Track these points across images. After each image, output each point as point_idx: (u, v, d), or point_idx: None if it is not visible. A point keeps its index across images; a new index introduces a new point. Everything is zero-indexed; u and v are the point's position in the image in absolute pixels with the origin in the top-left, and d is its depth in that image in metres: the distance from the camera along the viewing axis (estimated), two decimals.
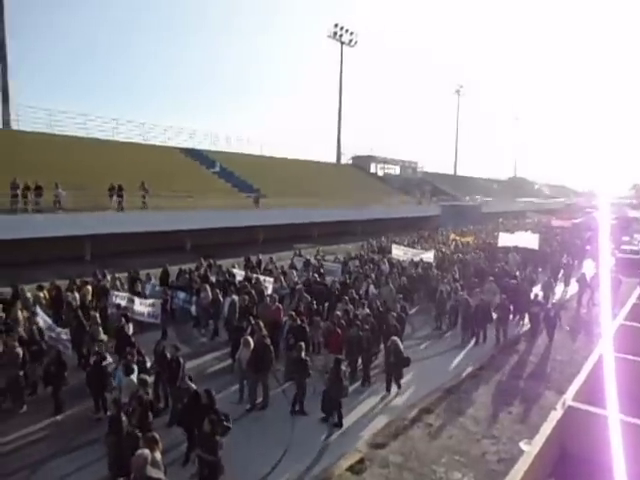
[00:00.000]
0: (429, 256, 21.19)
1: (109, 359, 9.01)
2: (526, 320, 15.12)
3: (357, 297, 14.52)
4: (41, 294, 13.34)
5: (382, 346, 11.46)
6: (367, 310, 12.75)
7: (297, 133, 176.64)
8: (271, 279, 16.07)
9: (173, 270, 17.40)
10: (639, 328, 7.61)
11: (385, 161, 63.15)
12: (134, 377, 8.27)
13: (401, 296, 14.59)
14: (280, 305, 13.08)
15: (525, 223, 48.14)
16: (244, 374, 9.54)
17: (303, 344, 9.53)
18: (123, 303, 12.39)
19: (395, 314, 12.08)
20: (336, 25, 54.27)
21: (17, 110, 30.27)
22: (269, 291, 15.13)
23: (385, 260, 21.35)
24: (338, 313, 12.09)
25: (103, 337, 10.36)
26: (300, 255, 22.09)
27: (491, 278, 17.37)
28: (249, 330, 10.54)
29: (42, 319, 11.02)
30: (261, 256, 21.51)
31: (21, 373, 9.21)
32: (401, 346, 10.21)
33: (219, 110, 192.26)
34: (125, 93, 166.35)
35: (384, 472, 7.49)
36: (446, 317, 15.19)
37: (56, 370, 8.98)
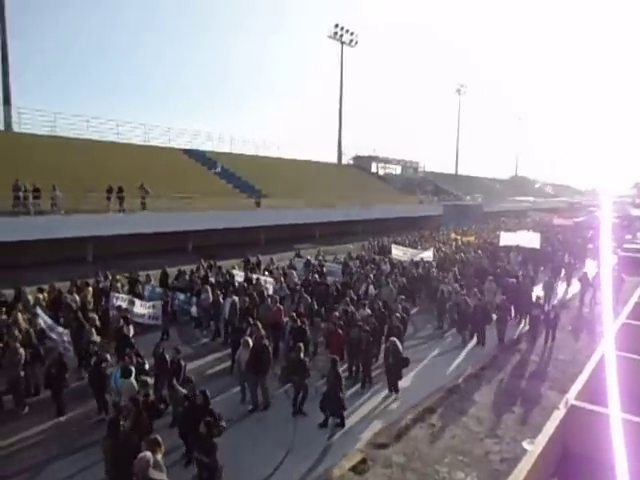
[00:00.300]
0: (428, 255, 21.17)
1: (109, 360, 9.02)
2: (527, 320, 14.96)
3: (356, 298, 14.47)
4: (41, 296, 13.38)
5: (383, 347, 11.43)
6: (368, 311, 12.71)
7: (298, 134, 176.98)
8: (271, 280, 16.08)
9: (173, 271, 17.42)
10: None
11: (386, 161, 63.17)
12: (132, 379, 8.29)
13: (403, 297, 14.49)
14: (281, 306, 13.08)
15: (527, 222, 48.04)
16: (243, 375, 9.54)
17: (302, 345, 9.51)
18: (124, 305, 12.42)
19: (398, 315, 12.03)
20: (336, 25, 54.33)
21: (19, 112, 30.38)
22: (270, 292, 15.15)
23: (386, 260, 21.33)
24: (336, 314, 12.07)
25: (96, 338, 10.36)
26: (300, 256, 22.11)
27: (490, 277, 17.29)
28: (248, 331, 10.53)
29: (43, 320, 11.05)
30: (260, 257, 21.51)
31: (22, 374, 9.24)
32: (400, 347, 10.16)
33: (221, 111, 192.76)
34: (131, 95, 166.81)
35: (387, 472, 7.48)
36: (447, 317, 15.17)
37: (57, 372, 8.98)
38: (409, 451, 8.08)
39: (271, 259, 20.69)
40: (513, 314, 15.34)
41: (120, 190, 23.44)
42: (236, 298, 13.38)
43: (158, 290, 14.71)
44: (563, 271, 22.01)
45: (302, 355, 9.27)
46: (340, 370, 9.09)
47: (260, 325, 10.90)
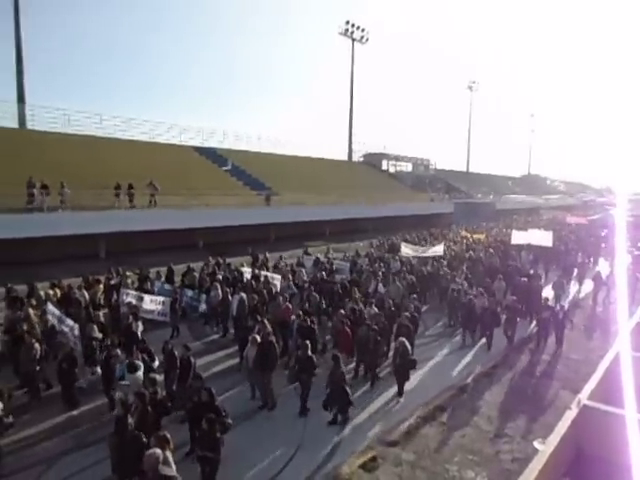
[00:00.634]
0: (439, 249, 21.07)
1: (119, 356, 9.08)
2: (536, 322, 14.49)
3: (362, 296, 14.38)
4: (51, 292, 13.54)
5: (392, 345, 11.38)
6: (375, 309, 12.65)
7: (309, 131, 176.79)
8: (279, 277, 16.09)
9: (182, 268, 17.52)
10: None
11: (397, 158, 62.95)
12: (139, 374, 8.34)
13: (415, 296, 14.37)
14: (289, 304, 13.07)
15: (539, 220, 47.57)
16: (251, 373, 9.56)
17: (309, 343, 9.44)
18: (133, 301, 12.47)
19: (408, 314, 11.92)
20: (347, 22, 54.22)
21: (32, 110, 30.74)
22: (277, 289, 15.16)
23: (396, 258, 21.25)
24: (342, 312, 12.00)
25: (98, 335, 10.44)
26: (308, 253, 22.10)
27: (500, 276, 17.06)
28: (256, 329, 10.54)
29: (52, 315, 11.19)
30: (268, 254, 21.51)
31: (37, 369, 9.37)
32: (409, 348, 10.06)
33: (232, 109, 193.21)
34: (136, 94, 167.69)
35: (397, 470, 7.47)
36: (458, 316, 15.07)
37: (68, 367, 9.11)
38: (419, 449, 8.06)
39: (280, 257, 20.71)
40: (523, 314, 15.14)
41: (130, 187, 23.61)
42: (244, 295, 13.41)
43: (167, 287, 14.79)
44: (576, 270, 21.72)
45: (309, 352, 9.23)
46: (344, 367, 9.04)
47: (267, 323, 10.94)
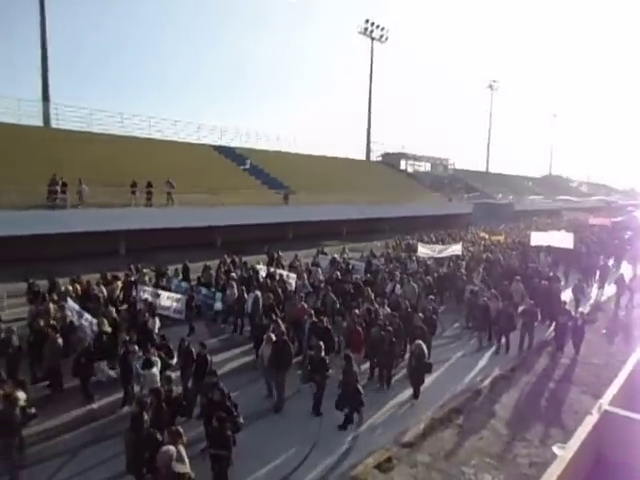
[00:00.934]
0: (457, 249, 20.86)
1: (136, 352, 9.19)
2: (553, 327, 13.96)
3: (378, 296, 14.28)
4: (70, 287, 13.81)
5: (409, 347, 11.28)
6: (388, 309, 12.58)
7: (327, 130, 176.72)
8: (294, 276, 16.12)
9: (197, 266, 17.68)
10: None
11: (415, 158, 62.45)
12: (154, 371, 8.45)
13: (432, 297, 14.23)
14: (305, 304, 13.06)
15: (560, 222, 46.77)
16: (266, 371, 9.60)
17: (322, 343, 9.39)
18: (150, 298, 12.62)
19: (422, 315, 11.79)
20: (367, 21, 54.07)
21: (56, 108, 31.37)
22: (292, 288, 15.19)
23: (413, 258, 21.12)
24: (356, 312, 11.93)
25: (108, 329, 10.60)
26: (324, 253, 22.08)
27: (518, 278, 16.63)
28: (271, 327, 10.57)
29: (71, 309, 11.44)
30: (282, 253, 21.54)
31: (61, 362, 9.60)
32: (425, 351, 9.95)
33: (249, 107, 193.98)
34: (144, 90, 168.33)
35: (412, 472, 7.44)
36: (475, 318, 14.90)
37: (86, 361, 9.30)
38: (435, 451, 8.02)
39: (295, 255, 20.71)
40: (542, 318, 14.87)
41: (149, 185, 23.88)
42: (259, 293, 13.46)
43: (184, 285, 14.93)
44: (597, 273, 21.25)
45: (322, 353, 9.19)
46: (356, 367, 9.00)
47: (281, 321, 10.96)
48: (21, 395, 7.23)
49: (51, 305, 12.09)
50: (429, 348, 11.42)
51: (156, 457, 5.51)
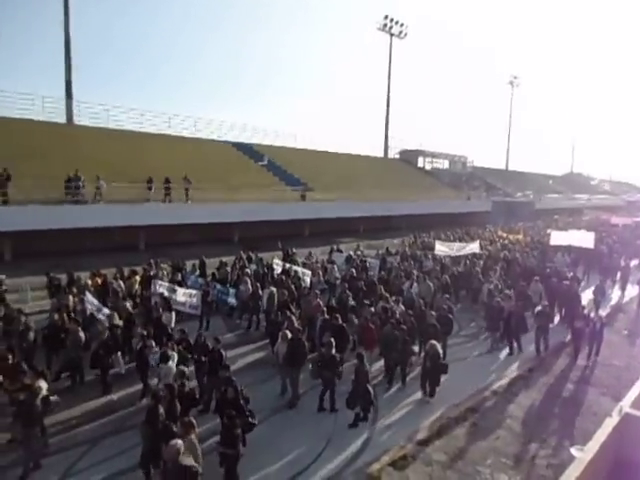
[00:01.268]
0: (475, 247, 20.66)
1: (153, 347, 9.33)
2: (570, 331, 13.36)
3: (394, 294, 14.26)
4: (89, 282, 14.07)
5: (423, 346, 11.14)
6: (402, 307, 12.52)
7: (345, 127, 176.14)
8: (309, 272, 16.13)
9: (214, 262, 17.83)
10: None
11: (433, 155, 61.94)
12: (171, 364, 8.56)
13: (447, 296, 14.06)
14: (320, 301, 13.04)
15: (581, 221, 45.92)
16: (281, 368, 9.66)
17: (333, 341, 9.37)
18: (165, 292, 12.73)
19: (434, 313, 11.65)
20: (386, 17, 53.64)
21: (78, 105, 31.94)
22: (307, 284, 15.21)
23: (429, 256, 20.98)
24: (372, 309, 11.88)
25: (119, 322, 10.79)
26: (340, 250, 22.06)
27: (536, 278, 16.30)
28: (285, 324, 10.60)
29: (90, 303, 11.68)
30: (297, 249, 21.57)
31: (82, 355, 9.81)
32: (440, 351, 9.82)
33: (265, 103, 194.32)
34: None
35: (427, 470, 7.43)
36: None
37: (104, 353, 9.49)
38: (450, 450, 7.98)
39: (309, 252, 20.71)
40: (560, 319, 14.59)
41: (167, 181, 24.14)
42: (274, 289, 13.52)
43: (200, 280, 15.07)
44: (619, 274, 20.79)
45: (333, 351, 9.17)
46: (368, 366, 8.96)
47: (295, 318, 10.98)
48: (43, 385, 7.43)
49: (70, 298, 12.34)
50: (444, 347, 11.37)
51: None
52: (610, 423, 4.48)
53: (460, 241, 25.30)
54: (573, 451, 7.46)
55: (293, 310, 12.26)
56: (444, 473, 7.37)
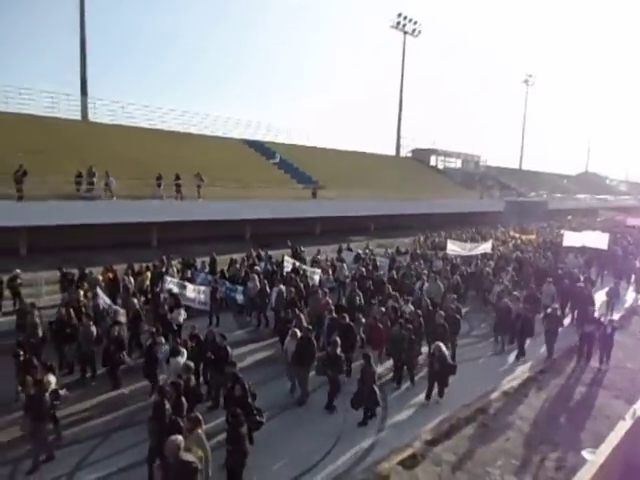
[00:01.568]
0: (487, 247, 20.51)
1: (164, 343, 9.41)
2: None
3: (405, 293, 14.21)
4: (100, 277, 14.19)
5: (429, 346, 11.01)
6: (411, 307, 12.44)
7: (356, 125, 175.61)
8: (319, 271, 16.10)
9: (225, 259, 17.91)
10: None
11: (446, 154, 61.50)
12: (180, 359, 8.60)
13: (455, 296, 13.90)
14: (329, 299, 13.02)
15: (595, 221, 45.34)
16: (289, 366, 9.65)
17: (339, 340, 9.36)
18: (175, 289, 12.76)
19: (443, 313, 11.50)
20: (399, 15, 53.35)
21: (93, 102, 32.32)
22: (316, 282, 15.18)
23: (439, 256, 20.84)
24: (382, 309, 11.86)
25: (122, 319, 10.83)
26: (349, 249, 22.00)
27: (549, 279, 16.08)
28: (294, 322, 10.59)
29: (102, 300, 11.81)
30: (308, 247, 21.55)
31: (94, 349, 9.95)
32: (446, 352, 9.67)
33: (276, 101, 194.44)
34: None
35: (436, 470, 7.40)
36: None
37: (115, 349, 9.59)
38: (459, 450, 7.95)
39: (318, 250, 20.65)
40: (572, 322, 14.37)
41: (177, 178, 24.23)
42: (283, 287, 13.51)
43: (209, 277, 15.09)
44: (633, 276, 20.45)
45: (338, 350, 9.13)
46: (375, 367, 8.91)
47: (303, 316, 10.97)
48: (52, 379, 7.52)
49: (81, 293, 12.42)
50: (454, 347, 11.32)
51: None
52: (623, 426, 4.43)
53: (472, 241, 25.12)
54: (585, 454, 7.38)
55: (301, 308, 12.26)
56: (453, 473, 7.34)
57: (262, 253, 19.64)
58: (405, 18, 53.69)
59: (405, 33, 54.81)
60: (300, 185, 33.44)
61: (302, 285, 14.39)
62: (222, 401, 8.47)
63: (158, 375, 9.20)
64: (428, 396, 9.66)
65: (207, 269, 16.52)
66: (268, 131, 41.69)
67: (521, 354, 12.27)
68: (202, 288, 13.23)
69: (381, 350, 10.80)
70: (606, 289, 16.91)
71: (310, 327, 10.32)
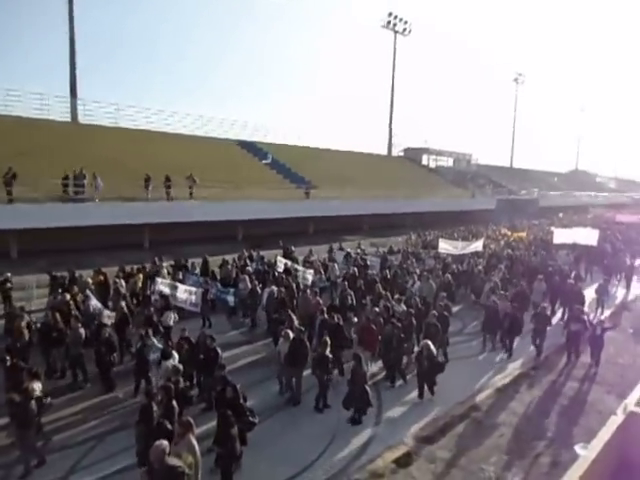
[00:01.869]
0: (478, 245, 20.63)
1: (156, 345, 9.34)
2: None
3: (397, 292, 14.19)
4: (90, 280, 14.05)
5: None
6: (403, 306, 12.40)
7: (348, 125, 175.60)
8: (311, 271, 16.07)
9: (217, 260, 17.83)
10: None
11: (438, 153, 61.76)
12: (170, 362, 8.51)
13: (445, 294, 13.95)
14: (320, 299, 12.97)
15: (586, 218, 45.71)
16: (282, 368, 9.60)
17: (328, 340, 9.32)
18: (166, 290, 12.65)
19: (436, 313, 11.53)
20: (390, 14, 53.48)
21: (83, 103, 32.06)
22: (308, 282, 15.15)
23: (431, 255, 20.88)
24: (377, 309, 11.81)
25: (107, 321, 10.76)
26: (341, 248, 21.98)
27: (540, 276, 16.17)
28: (286, 323, 10.55)
29: (93, 302, 11.76)
30: (301, 247, 21.54)
31: (83, 351, 9.84)
32: (434, 351, 9.62)
33: (267, 100, 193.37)
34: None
35: (431, 467, 7.44)
36: None
37: (106, 351, 9.52)
38: (454, 447, 7.99)
39: (310, 250, 20.60)
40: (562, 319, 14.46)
41: (167, 179, 24.10)
42: (275, 288, 13.46)
43: (200, 279, 14.97)
44: (623, 273, 20.57)
45: (327, 351, 9.10)
46: (365, 367, 8.88)
47: (295, 317, 10.93)
48: (36, 386, 7.38)
49: (68, 296, 12.16)
50: (445, 345, 11.33)
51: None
52: (615, 421, 4.46)
53: (463, 240, 25.22)
54: (577, 449, 7.44)
55: (293, 308, 12.20)
56: (448, 471, 7.38)
57: (254, 254, 19.57)
58: (396, 17, 53.88)
59: (396, 32, 55.01)
60: (293, 185, 33.42)
61: (294, 285, 14.34)
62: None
63: (151, 377, 9.15)
64: (420, 394, 9.68)
65: (197, 270, 16.44)
66: (256, 130, 41.55)
67: (508, 353, 12.23)
68: (193, 289, 13.10)
69: (374, 351, 10.74)
70: (595, 286, 16.98)
71: (302, 328, 10.23)
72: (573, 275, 17.55)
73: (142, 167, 24.64)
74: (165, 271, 15.65)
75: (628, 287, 19.60)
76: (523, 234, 30.26)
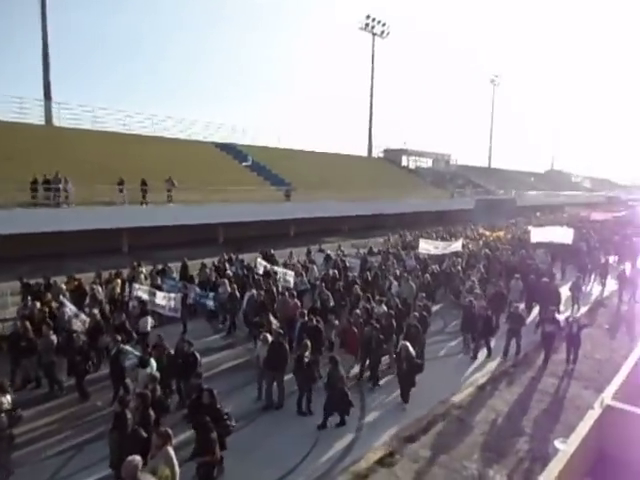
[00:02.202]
0: (458, 245, 20.84)
1: (130, 351, 9.17)
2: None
3: (378, 294, 14.18)
4: (64, 287, 13.67)
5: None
6: (384, 307, 12.28)
7: (328, 126, 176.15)
8: (292, 273, 16.04)
9: (197, 264, 17.61)
10: None
11: (417, 154, 62.30)
12: (149, 370, 8.32)
13: (424, 295, 13.96)
14: (298, 302, 12.87)
15: (562, 217, 46.63)
16: (261, 372, 9.49)
17: (308, 343, 9.24)
18: (144, 296, 12.42)
19: (417, 314, 11.51)
20: (368, 17, 53.77)
21: (58, 106, 31.39)
22: (290, 284, 15.09)
23: (412, 255, 21.00)
24: (357, 311, 11.66)
25: (77, 328, 10.57)
26: (321, 250, 21.92)
27: (517, 275, 16.31)
28: (266, 326, 10.43)
29: (68, 308, 11.44)
30: (281, 250, 21.41)
31: (55, 359, 9.57)
32: (412, 352, 9.55)
33: (246, 103, 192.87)
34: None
35: (414, 466, 7.46)
36: None
37: (81, 360, 9.32)
38: (436, 446, 8.03)
39: (290, 253, 20.47)
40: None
41: (143, 183, 23.75)
42: (255, 292, 13.31)
43: (179, 284, 14.64)
44: (597, 270, 20.96)
45: (307, 353, 9.01)
46: (342, 370, 8.76)
47: (275, 320, 10.83)
48: (5, 399, 7.13)
49: (37, 304, 11.71)
50: (423, 346, 11.13)
51: (143, 454, 5.45)
52: (592, 415, 4.54)
53: (443, 240, 25.38)
54: (557, 444, 7.57)
55: (271, 311, 12.01)
56: (431, 469, 7.41)
57: (233, 257, 19.37)
58: (374, 20, 54.17)
59: (374, 35, 55.30)
60: (273, 187, 33.31)
61: (274, 289, 14.19)
62: None
63: (128, 385, 8.96)
64: (404, 398, 9.55)
65: (176, 274, 16.19)
66: (235, 132, 41.27)
67: (488, 353, 12.19)
68: (172, 295, 12.79)
69: (356, 353, 10.63)
70: (569, 284, 17.12)
71: (281, 331, 10.07)
72: (548, 274, 17.73)
73: (119, 171, 24.25)
74: (142, 276, 15.35)
75: (603, 284, 20.01)
76: (501, 234, 30.66)
